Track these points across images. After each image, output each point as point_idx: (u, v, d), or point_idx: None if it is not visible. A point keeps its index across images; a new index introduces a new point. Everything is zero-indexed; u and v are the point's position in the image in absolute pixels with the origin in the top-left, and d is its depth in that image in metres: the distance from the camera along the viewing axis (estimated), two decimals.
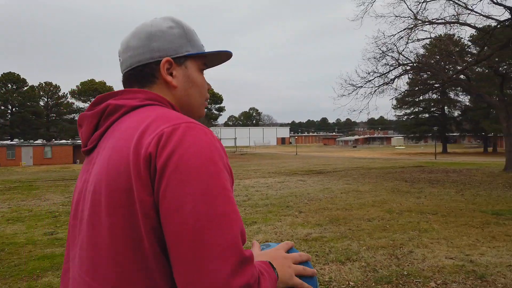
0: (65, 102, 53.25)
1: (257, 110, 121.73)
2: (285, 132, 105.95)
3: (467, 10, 13.59)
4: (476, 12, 13.36)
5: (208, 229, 0.61)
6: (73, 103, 53.23)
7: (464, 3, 13.75)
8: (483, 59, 13.54)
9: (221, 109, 56.09)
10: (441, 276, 3.76)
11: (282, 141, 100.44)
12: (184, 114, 0.78)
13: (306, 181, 14.43)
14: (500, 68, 23.18)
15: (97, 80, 52.42)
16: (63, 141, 48.01)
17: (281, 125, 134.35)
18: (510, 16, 12.59)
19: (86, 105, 52.75)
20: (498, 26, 12.03)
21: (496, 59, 19.45)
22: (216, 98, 55.09)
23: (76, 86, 52.34)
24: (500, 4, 13.60)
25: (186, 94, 0.85)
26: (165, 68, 0.82)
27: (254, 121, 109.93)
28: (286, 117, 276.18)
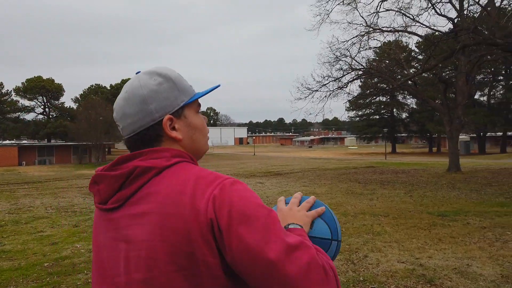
0: (9, 100, 49.80)
1: (215, 110, 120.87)
2: (243, 132, 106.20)
3: (414, 22, 14.44)
4: (422, 24, 14.24)
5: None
6: (18, 101, 49.91)
7: (412, 14, 14.58)
8: (428, 69, 14.45)
9: None
10: (394, 281, 3.98)
11: (240, 141, 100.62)
12: (196, 156, 0.90)
13: (264, 183, 14.59)
14: (444, 74, 24.79)
15: (44, 77, 49.48)
16: (7, 141, 44.93)
17: (239, 125, 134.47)
18: (453, 27, 13.50)
19: (33, 103, 49.84)
20: (442, 38, 12.87)
21: (440, 65, 20.80)
22: None
23: (22, 83, 49.09)
24: (444, 16, 14.57)
25: (192, 141, 0.89)
26: (168, 126, 0.85)
27: (211, 121, 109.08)
28: (244, 117, 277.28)
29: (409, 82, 18.83)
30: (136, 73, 0.91)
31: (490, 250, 4.99)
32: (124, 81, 52.04)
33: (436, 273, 4.14)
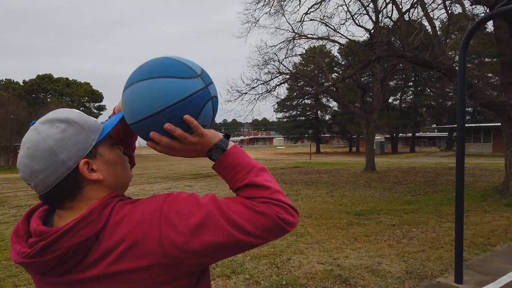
0: None
1: None
2: None
3: (335, 32, 15.41)
4: (342, 35, 15.23)
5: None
6: None
7: (334, 25, 15.51)
8: (347, 77, 15.48)
9: (101, 108, 52.06)
10: (314, 283, 4.23)
11: None
12: (121, 190, 0.89)
13: (193, 187, 14.44)
14: (362, 79, 26.73)
15: None
16: None
17: None
18: (370, 38, 14.60)
19: None
20: (360, 48, 13.89)
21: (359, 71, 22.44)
22: (96, 96, 51.00)
23: None
24: (362, 26, 15.73)
25: (115, 176, 0.86)
26: (86, 170, 0.81)
27: None
28: None
29: (331, 87, 20.02)
30: (32, 124, 0.84)
31: (398, 247, 5.52)
32: (40, 77, 47.81)
33: (351, 272, 4.48)
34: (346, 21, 14.79)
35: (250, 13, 25.34)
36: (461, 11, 10.63)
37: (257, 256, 5.30)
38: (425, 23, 12.77)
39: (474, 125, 36.73)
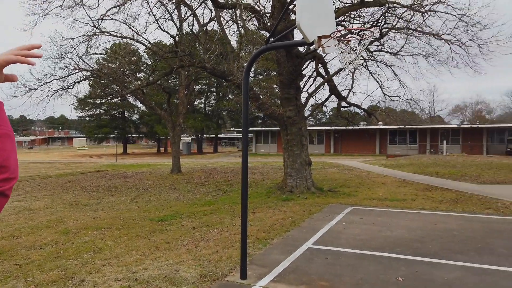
0: None
1: None
2: None
3: (138, 35, 15.20)
4: (146, 39, 15.13)
5: None
6: None
7: (137, 28, 15.17)
8: (152, 83, 15.47)
9: None
10: None
11: None
12: None
13: None
14: (170, 81, 27.15)
15: None
16: None
17: None
18: (174, 44, 14.97)
19: None
20: (164, 54, 14.09)
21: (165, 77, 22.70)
22: None
23: None
24: (167, 32, 15.98)
25: None
26: None
27: None
28: None
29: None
30: None
31: (195, 251, 5.90)
32: None
33: (148, 285, 4.53)
34: (151, 24, 14.75)
35: (38, 4, 22.14)
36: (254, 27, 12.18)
37: (44, 283, 4.71)
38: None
39: (264, 129, 42.60)
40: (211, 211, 9.46)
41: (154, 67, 15.75)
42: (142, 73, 29.94)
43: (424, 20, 12.34)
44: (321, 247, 6.08)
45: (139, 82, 18.43)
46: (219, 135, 52.44)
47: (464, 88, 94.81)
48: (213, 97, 48.37)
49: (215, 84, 45.24)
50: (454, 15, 11.52)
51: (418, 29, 11.80)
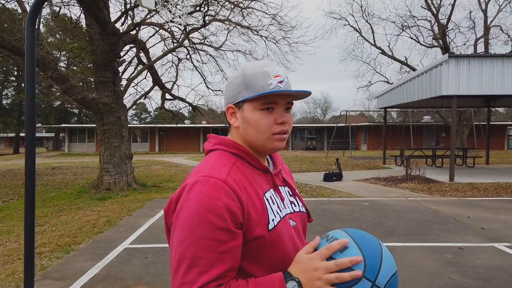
0: None
1: None
2: None
3: None
4: None
5: (178, 268, 0.86)
6: None
7: None
8: None
9: None
10: None
11: None
12: (252, 149, 1.03)
13: None
14: None
15: None
16: None
17: None
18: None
19: None
20: None
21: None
22: None
23: None
24: None
25: (245, 132, 1.01)
26: (229, 113, 1.04)
27: None
28: None
29: None
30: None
31: None
32: None
33: None
34: None
35: None
36: None
37: None
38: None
39: (79, 125, 37.96)
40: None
41: None
42: None
43: (244, 18, 12.87)
44: (140, 246, 5.23)
45: None
46: (21, 134, 43.57)
47: None
48: (12, 88, 40.03)
49: (15, 73, 37.65)
50: (269, 14, 12.35)
51: (239, 23, 12.16)
